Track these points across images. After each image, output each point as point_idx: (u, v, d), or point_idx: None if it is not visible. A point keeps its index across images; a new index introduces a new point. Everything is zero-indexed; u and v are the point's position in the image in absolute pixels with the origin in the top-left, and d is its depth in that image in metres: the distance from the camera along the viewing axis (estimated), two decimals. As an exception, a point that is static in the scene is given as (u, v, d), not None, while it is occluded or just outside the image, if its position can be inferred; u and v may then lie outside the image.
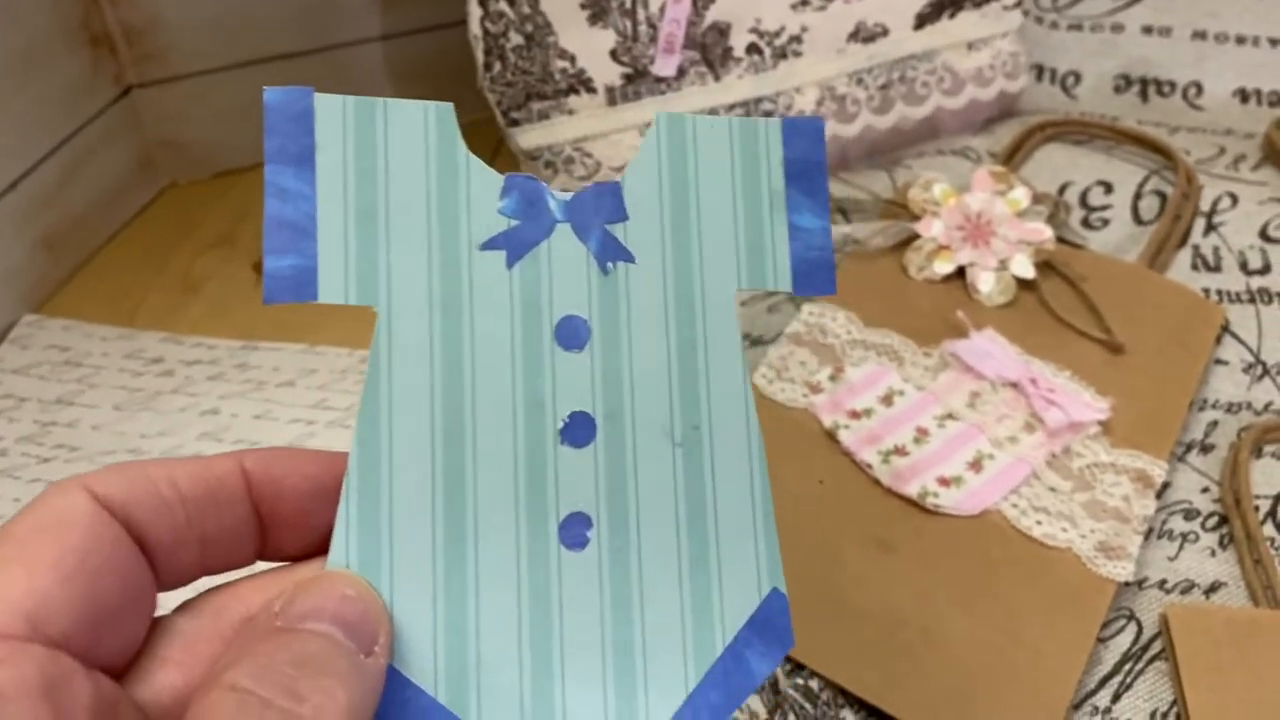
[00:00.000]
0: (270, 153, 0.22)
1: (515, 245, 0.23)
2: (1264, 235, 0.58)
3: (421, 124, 0.23)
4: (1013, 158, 0.63)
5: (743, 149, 0.25)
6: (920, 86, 0.62)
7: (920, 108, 0.63)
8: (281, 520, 0.23)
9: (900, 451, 0.47)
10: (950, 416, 0.48)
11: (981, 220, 0.55)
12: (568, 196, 0.24)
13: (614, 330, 0.23)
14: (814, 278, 0.25)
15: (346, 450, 0.22)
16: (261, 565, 0.24)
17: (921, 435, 0.47)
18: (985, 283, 0.53)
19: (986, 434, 0.47)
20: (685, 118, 0.25)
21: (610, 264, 0.24)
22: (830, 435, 0.48)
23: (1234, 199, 0.60)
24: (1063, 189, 0.61)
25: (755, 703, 0.39)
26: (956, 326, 0.51)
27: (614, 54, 0.55)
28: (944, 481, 0.46)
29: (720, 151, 0.25)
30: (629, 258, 0.24)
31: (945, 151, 0.64)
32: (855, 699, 0.40)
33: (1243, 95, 0.68)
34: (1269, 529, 0.46)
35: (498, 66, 0.54)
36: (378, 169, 0.22)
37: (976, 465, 0.46)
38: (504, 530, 0.22)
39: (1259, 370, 0.52)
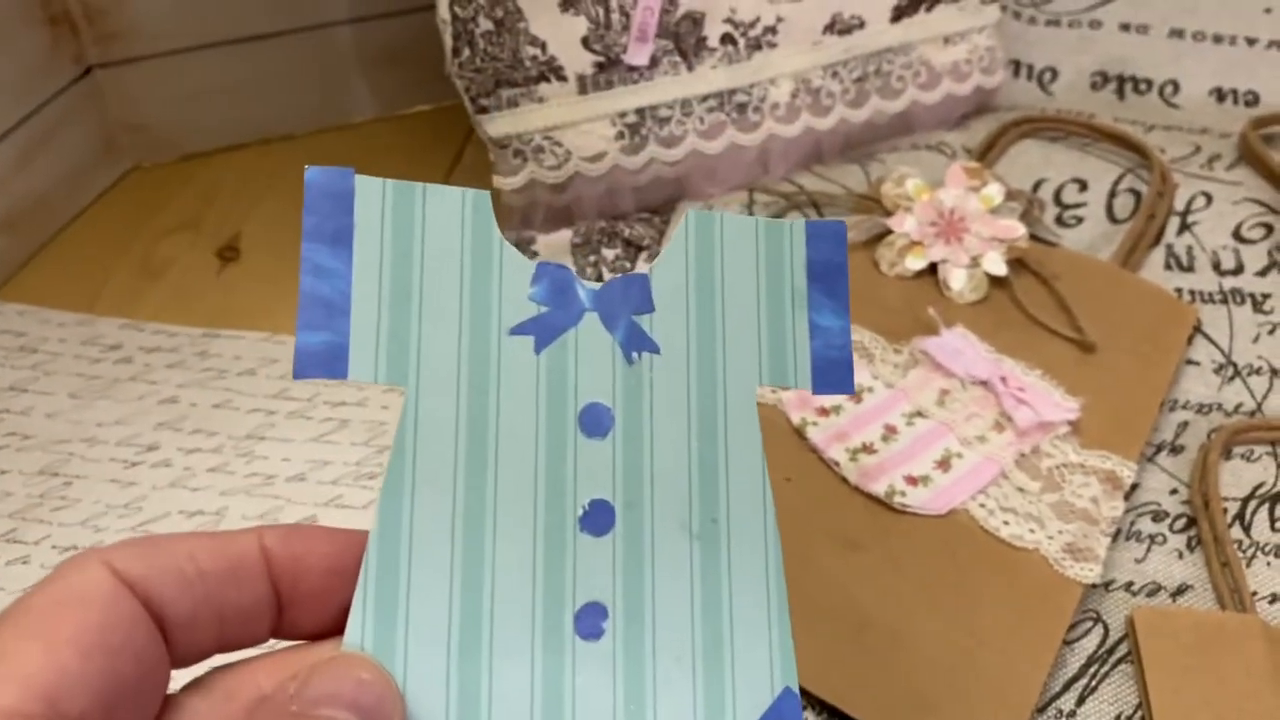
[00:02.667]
0: (308, 230, 0.22)
1: (544, 331, 0.24)
2: (1237, 235, 0.58)
3: (459, 209, 0.23)
4: (988, 154, 0.62)
5: (768, 248, 0.26)
6: (896, 80, 0.62)
7: (895, 101, 0.62)
8: (299, 598, 0.23)
9: (868, 449, 0.46)
10: (919, 414, 0.48)
11: (954, 216, 0.54)
12: (597, 286, 0.24)
13: (637, 419, 0.24)
14: (833, 376, 0.25)
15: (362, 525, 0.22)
16: (275, 643, 0.24)
17: (890, 433, 0.47)
18: (957, 280, 0.53)
19: (955, 432, 0.47)
20: (714, 215, 0.25)
21: (635, 354, 0.24)
22: (798, 432, 0.47)
23: (1208, 198, 0.60)
24: (1037, 186, 0.61)
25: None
26: (927, 323, 0.51)
27: (585, 41, 0.54)
28: (911, 480, 0.45)
29: (746, 249, 0.25)
30: (654, 348, 0.24)
31: (920, 146, 0.64)
32: (817, 700, 0.40)
33: (1219, 94, 0.68)
34: (1237, 531, 0.46)
35: (466, 52, 0.53)
36: (413, 252, 0.23)
37: (944, 464, 0.46)
38: (520, 618, 0.22)
39: (1230, 371, 0.52)
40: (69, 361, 0.54)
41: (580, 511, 0.23)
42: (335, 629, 0.23)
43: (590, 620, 0.23)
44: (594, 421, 0.24)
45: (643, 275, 0.25)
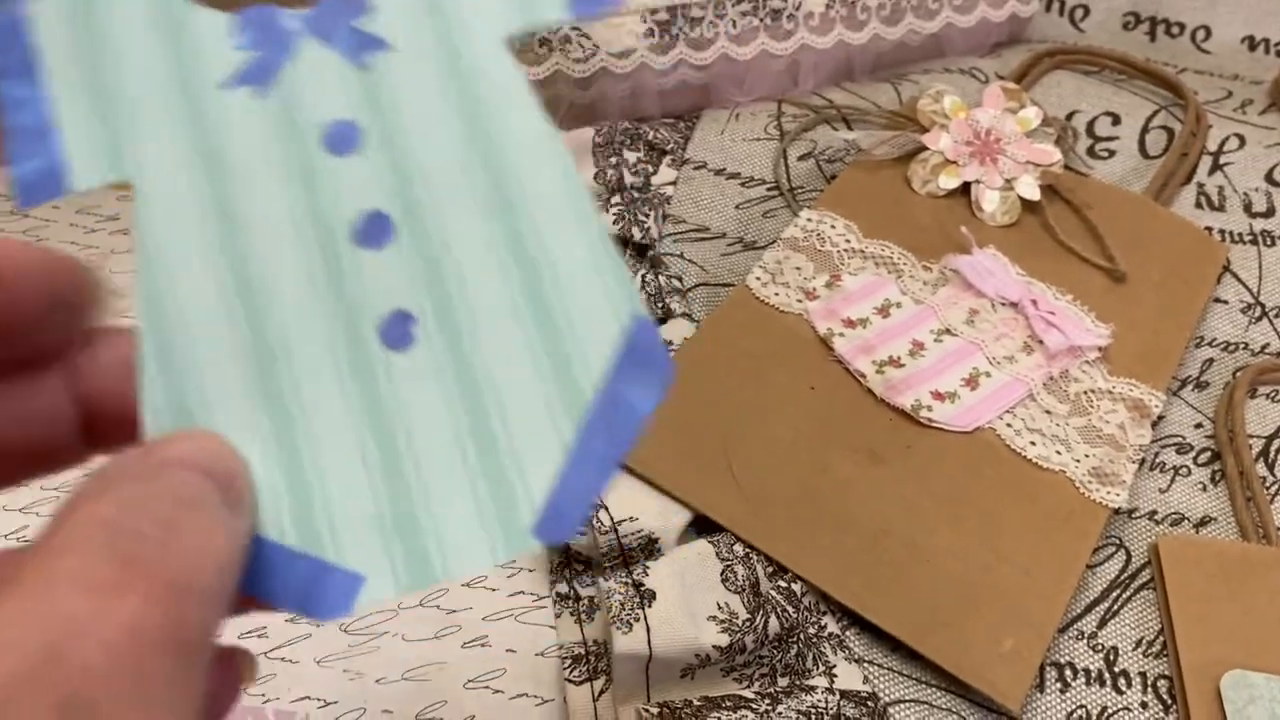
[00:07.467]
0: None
1: (258, 73, 0.22)
2: (1270, 179, 0.57)
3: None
4: (1020, 81, 0.61)
5: None
6: (932, 0, 0.60)
7: (930, 22, 0.60)
8: None
9: (895, 363, 0.45)
10: (948, 332, 0.46)
11: (990, 137, 0.53)
12: (305, 10, 0.23)
13: (387, 122, 0.22)
14: None
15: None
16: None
17: (917, 349, 0.46)
18: (990, 201, 0.51)
19: (984, 351, 0.46)
20: None
21: (365, 56, 0.22)
22: (824, 342, 0.46)
23: (1241, 140, 0.59)
24: (1070, 117, 0.59)
25: (736, 604, 0.37)
26: (958, 242, 0.49)
27: (621, -70, 0.52)
28: (938, 396, 0.44)
29: None
30: (382, 44, 0.22)
31: (953, 70, 0.62)
32: (838, 605, 0.39)
33: (1251, 42, 0.67)
34: (1261, 469, 0.45)
35: (498, -70, 0.50)
36: (101, 43, 0.22)
37: (972, 382, 0.45)
38: (319, 354, 0.21)
39: (1257, 311, 0.51)
40: (63, 230, 0.52)
41: (352, 230, 0.22)
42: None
43: (396, 329, 0.21)
44: (340, 140, 0.22)
45: None
